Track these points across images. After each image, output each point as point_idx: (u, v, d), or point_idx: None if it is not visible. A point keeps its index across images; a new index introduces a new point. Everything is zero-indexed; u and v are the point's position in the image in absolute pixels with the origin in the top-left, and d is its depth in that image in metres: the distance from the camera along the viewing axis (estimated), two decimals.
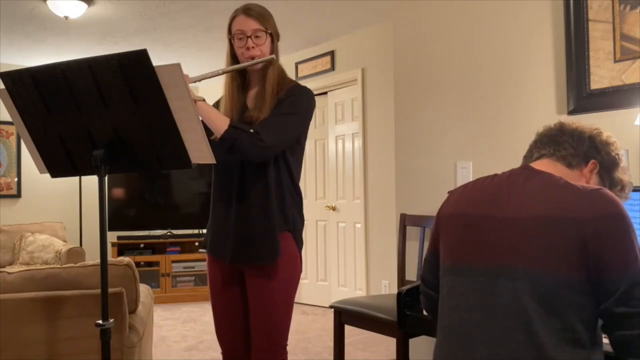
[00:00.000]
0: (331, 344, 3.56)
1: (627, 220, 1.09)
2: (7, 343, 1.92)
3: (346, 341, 3.06)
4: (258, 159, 1.74)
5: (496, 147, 2.49)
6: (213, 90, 5.56)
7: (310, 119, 1.85)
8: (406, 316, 1.77)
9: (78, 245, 5.38)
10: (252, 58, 1.77)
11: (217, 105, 1.93)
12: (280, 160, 1.79)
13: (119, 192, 5.57)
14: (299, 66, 5.24)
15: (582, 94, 2.18)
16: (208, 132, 1.56)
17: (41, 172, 1.63)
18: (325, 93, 5.05)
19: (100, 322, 1.48)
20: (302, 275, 1.95)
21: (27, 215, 5.55)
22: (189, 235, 5.69)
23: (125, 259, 2.23)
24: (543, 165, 1.28)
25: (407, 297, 1.78)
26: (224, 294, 1.89)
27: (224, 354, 1.94)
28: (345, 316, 2.68)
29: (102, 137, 1.46)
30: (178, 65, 1.36)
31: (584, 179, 1.27)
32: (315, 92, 1.90)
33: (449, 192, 1.41)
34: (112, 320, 1.51)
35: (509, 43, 2.45)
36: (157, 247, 5.58)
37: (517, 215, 1.16)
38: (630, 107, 2.04)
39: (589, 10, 2.17)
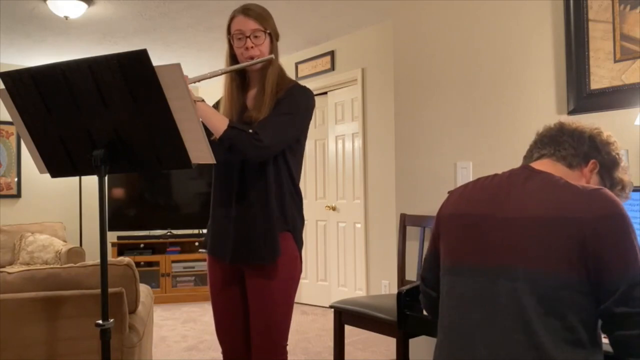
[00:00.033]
0: (331, 344, 3.56)
1: (627, 221, 1.09)
2: (7, 343, 1.92)
3: (346, 341, 3.06)
4: (257, 159, 1.74)
5: (496, 147, 2.49)
6: (213, 91, 5.57)
7: (309, 119, 1.85)
8: (406, 316, 1.77)
9: (78, 245, 5.38)
10: (251, 58, 1.77)
11: (217, 105, 1.93)
12: (280, 160, 1.79)
13: (119, 192, 5.57)
14: (299, 66, 5.24)
15: (582, 94, 2.18)
16: (208, 132, 1.56)
17: (41, 172, 1.63)
18: (325, 93, 5.05)
19: (100, 322, 1.48)
20: (302, 275, 1.95)
21: (27, 215, 5.55)
22: (189, 235, 5.69)
23: (125, 259, 2.23)
24: (543, 165, 1.28)
25: (407, 297, 1.78)
26: (224, 294, 1.89)
27: (224, 353, 1.94)
28: (345, 316, 2.68)
29: (102, 137, 1.46)
30: (178, 65, 1.36)
31: (584, 178, 1.27)
32: (315, 92, 1.90)
33: (449, 192, 1.41)
34: (112, 320, 1.51)
35: (509, 43, 2.45)
36: (157, 247, 5.58)
37: (517, 215, 1.16)
38: (630, 107, 2.04)
39: (589, 10, 2.17)
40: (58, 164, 1.57)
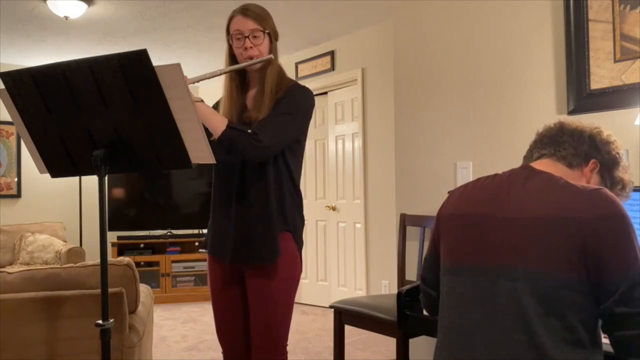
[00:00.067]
0: (331, 344, 3.56)
1: (627, 220, 1.09)
2: (7, 343, 1.92)
3: (346, 341, 3.06)
4: (256, 159, 1.73)
5: (496, 147, 2.49)
6: (213, 91, 5.56)
7: (309, 119, 1.85)
8: (406, 316, 1.77)
9: (78, 245, 5.38)
10: (251, 58, 1.76)
11: (216, 106, 1.93)
12: (280, 161, 1.79)
13: (119, 192, 5.57)
14: (299, 66, 5.24)
15: (582, 94, 2.18)
16: (208, 133, 1.56)
17: (41, 172, 1.63)
18: (325, 93, 5.05)
19: (100, 322, 1.48)
20: (302, 275, 1.95)
21: (27, 215, 5.55)
22: (189, 235, 5.69)
23: (125, 259, 2.23)
24: (543, 165, 1.27)
25: (407, 297, 1.77)
26: (224, 294, 1.89)
27: (224, 353, 1.94)
28: (345, 316, 2.68)
29: (102, 137, 1.46)
30: (178, 65, 1.36)
31: (585, 178, 1.27)
32: (315, 92, 1.91)
33: (449, 192, 1.41)
34: (112, 320, 1.51)
35: (509, 43, 2.45)
36: (157, 247, 5.58)
37: (517, 215, 1.16)
38: (630, 107, 2.04)
39: (589, 10, 2.17)
40: (58, 164, 1.57)
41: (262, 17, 1.78)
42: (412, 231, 2.86)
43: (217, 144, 1.64)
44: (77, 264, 2.17)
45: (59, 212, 5.77)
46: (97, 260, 1.84)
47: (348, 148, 4.83)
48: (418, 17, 2.84)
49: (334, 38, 4.85)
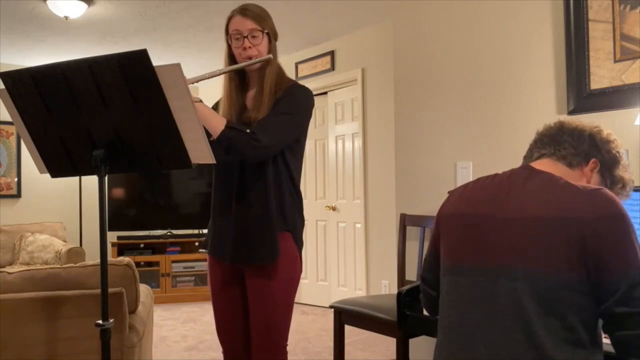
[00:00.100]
0: (331, 344, 3.56)
1: (627, 220, 1.09)
2: (7, 343, 1.92)
3: (346, 341, 3.06)
4: (255, 159, 1.73)
5: (496, 147, 2.49)
6: (212, 91, 5.56)
7: (309, 119, 1.85)
8: (406, 316, 1.77)
9: (78, 245, 5.38)
10: (250, 58, 1.76)
11: (216, 106, 1.93)
12: (279, 161, 1.79)
13: (119, 192, 5.57)
14: (299, 66, 5.24)
15: (582, 94, 2.18)
16: (208, 133, 1.55)
17: (41, 172, 1.63)
18: (325, 93, 5.05)
19: (100, 322, 1.48)
20: (302, 275, 1.95)
21: (27, 215, 5.55)
22: (189, 235, 5.69)
23: (125, 259, 2.23)
24: (543, 165, 1.27)
25: (407, 297, 1.77)
26: (224, 294, 1.89)
27: (224, 353, 1.94)
28: (345, 316, 2.68)
29: (102, 137, 1.46)
30: (178, 65, 1.35)
31: (585, 178, 1.27)
32: (315, 92, 1.91)
33: (449, 192, 1.41)
34: (112, 320, 1.51)
35: (509, 43, 2.45)
36: (157, 247, 5.58)
37: (517, 215, 1.16)
38: (630, 107, 2.04)
39: (589, 10, 2.17)
40: (58, 164, 1.57)
41: (261, 17, 1.77)
42: (412, 231, 2.86)
43: (216, 144, 1.64)
44: (77, 264, 2.18)
45: (59, 212, 5.77)
46: (97, 260, 1.84)
47: (348, 148, 4.83)
48: (417, 17, 2.83)
49: (333, 38, 4.85)
